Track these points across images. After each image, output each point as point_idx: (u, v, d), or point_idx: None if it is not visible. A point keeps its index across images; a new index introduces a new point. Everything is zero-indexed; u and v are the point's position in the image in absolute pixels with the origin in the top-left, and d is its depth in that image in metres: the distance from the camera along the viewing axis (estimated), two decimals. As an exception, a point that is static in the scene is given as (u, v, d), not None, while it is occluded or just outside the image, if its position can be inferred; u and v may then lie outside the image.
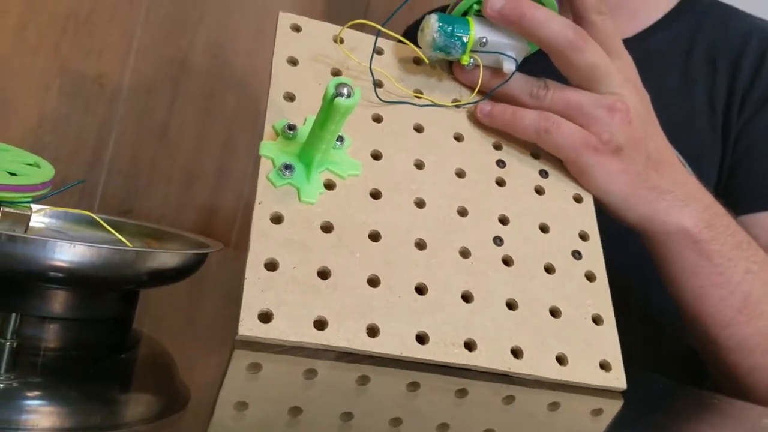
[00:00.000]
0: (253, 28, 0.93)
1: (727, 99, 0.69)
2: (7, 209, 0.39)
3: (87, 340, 0.40)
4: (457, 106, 0.52)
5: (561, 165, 0.52)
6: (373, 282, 0.43)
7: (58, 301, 0.38)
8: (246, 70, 0.93)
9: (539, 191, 0.51)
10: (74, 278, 0.36)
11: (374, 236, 0.45)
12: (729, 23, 0.72)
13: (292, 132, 0.46)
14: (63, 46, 0.83)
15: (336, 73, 0.50)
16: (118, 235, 0.46)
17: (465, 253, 0.46)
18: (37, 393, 0.32)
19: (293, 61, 0.49)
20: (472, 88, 0.52)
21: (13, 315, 0.35)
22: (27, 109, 0.81)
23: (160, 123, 0.89)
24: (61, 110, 0.83)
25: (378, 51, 0.51)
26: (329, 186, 0.46)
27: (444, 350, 0.43)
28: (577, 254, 0.49)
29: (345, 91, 0.39)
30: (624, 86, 0.51)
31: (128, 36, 0.86)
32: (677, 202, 0.52)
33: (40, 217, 0.48)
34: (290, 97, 0.48)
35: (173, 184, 0.90)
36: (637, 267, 0.66)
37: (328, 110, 0.40)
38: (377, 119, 0.49)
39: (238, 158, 0.94)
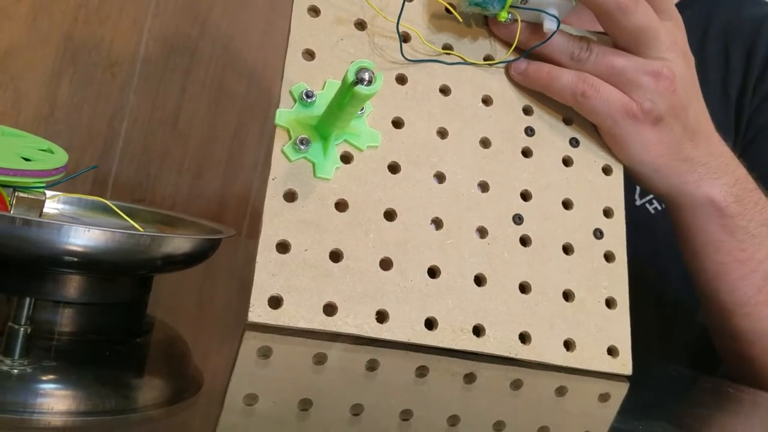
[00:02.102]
0: (263, 18, 0.93)
1: (741, 84, 0.68)
2: (21, 194, 0.39)
3: (101, 325, 0.40)
4: (490, 65, 0.49)
5: (594, 133, 0.50)
6: (386, 264, 0.43)
7: (73, 286, 0.38)
8: (256, 60, 0.93)
9: (567, 162, 0.49)
10: (88, 263, 0.36)
11: (389, 214, 0.44)
12: (742, 9, 0.72)
13: (309, 99, 0.44)
14: (75, 36, 0.83)
15: (360, 25, 0.47)
16: (131, 221, 0.46)
17: (482, 233, 0.45)
18: (51, 377, 0.32)
19: (315, 10, 0.46)
20: (507, 45, 0.49)
21: (28, 300, 0.35)
22: (39, 98, 0.82)
23: (171, 112, 0.89)
24: (73, 99, 0.83)
25: None
26: (346, 159, 0.44)
27: (452, 336, 0.43)
28: (598, 233, 0.48)
29: (366, 76, 0.37)
30: (672, 50, 0.48)
31: (139, 25, 0.86)
32: (709, 174, 0.51)
33: (53, 203, 0.48)
34: (310, 54, 0.45)
35: (184, 174, 0.90)
36: (654, 255, 0.66)
37: (346, 95, 0.39)
38: (401, 80, 0.47)
39: (249, 148, 0.94)
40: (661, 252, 0.65)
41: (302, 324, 0.40)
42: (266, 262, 0.41)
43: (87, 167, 0.49)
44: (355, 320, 0.41)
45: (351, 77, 0.37)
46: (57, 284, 0.38)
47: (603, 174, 0.50)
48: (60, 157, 0.42)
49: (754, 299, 0.53)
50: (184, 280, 0.53)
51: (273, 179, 0.42)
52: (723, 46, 0.70)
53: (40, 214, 0.39)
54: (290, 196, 0.43)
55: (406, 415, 0.34)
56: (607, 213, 0.49)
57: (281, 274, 0.41)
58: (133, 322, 0.42)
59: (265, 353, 0.40)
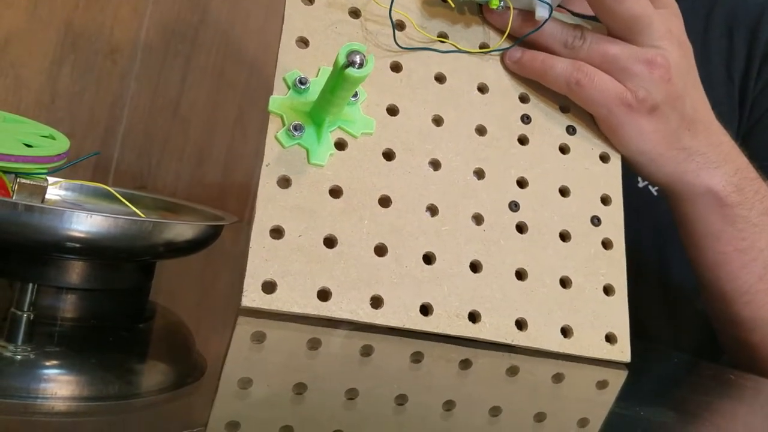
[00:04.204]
0: (264, 5, 0.92)
1: (745, 68, 0.68)
2: (23, 180, 0.39)
3: (104, 311, 0.40)
4: (484, 53, 0.49)
5: (591, 121, 0.50)
6: (380, 251, 0.43)
7: (75, 272, 0.38)
8: (257, 47, 0.93)
9: (564, 150, 0.49)
10: (91, 249, 0.37)
11: (384, 201, 0.44)
12: None
13: (303, 86, 0.44)
14: (75, 22, 0.83)
15: (354, 13, 0.47)
16: (133, 207, 0.46)
17: (478, 220, 0.46)
18: (54, 363, 0.32)
19: None
20: (502, 32, 0.49)
21: (31, 285, 0.35)
22: (40, 85, 0.82)
23: (172, 99, 0.89)
24: (73, 86, 0.83)
25: None
26: (340, 146, 0.44)
27: (448, 322, 0.43)
28: (596, 220, 0.48)
29: (357, 59, 0.37)
30: (666, 38, 0.48)
31: (140, 12, 0.86)
32: (708, 163, 0.51)
33: (55, 190, 0.48)
34: (304, 42, 0.45)
35: (186, 161, 0.90)
36: (657, 237, 0.66)
37: (338, 78, 0.39)
38: (396, 68, 0.47)
39: (250, 135, 0.94)
40: (664, 234, 0.65)
41: (296, 309, 0.40)
42: (260, 248, 0.41)
43: (89, 154, 0.49)
44: (349, 305, 0.41)
45: (342, 60, 0.37)
46: (59, 270, 0.38)
47: (600, 162, 0.50)
48: (61, 144, 0.43)
49: (754, 288, 0.53)
50: (186, 268, 0.53)
51: (267, 165, 0.42)
52: (726, 31, 0.70)
53: (42, 200, 0.40)
54: (284, 182, 0.43)
55: (401, 400, 0.34)
56: (605, 201, 0.49)
57: (275, 259, 0.41)
58: (135, 308, 0.42)
59: (259, 338, 0.40)
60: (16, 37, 0.80)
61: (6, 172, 0.39)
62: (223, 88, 0.92)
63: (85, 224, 0.35)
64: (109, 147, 0.86)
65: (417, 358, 0.41)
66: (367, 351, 0.41)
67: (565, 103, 0.50)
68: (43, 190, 0.39)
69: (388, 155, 0.45)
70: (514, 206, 0.47)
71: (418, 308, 0.43)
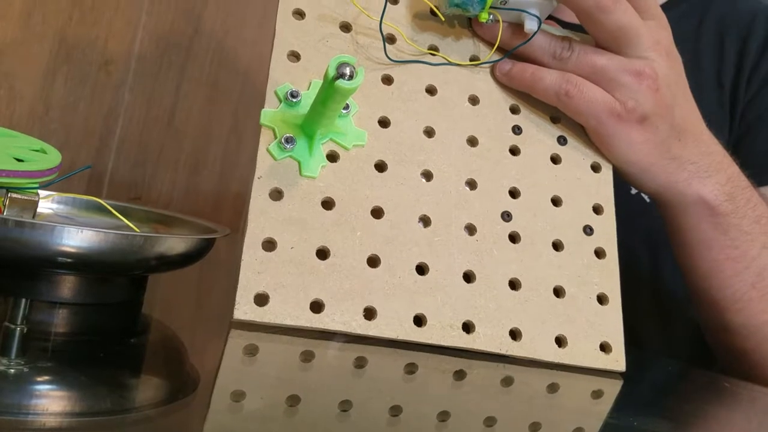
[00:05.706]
0: (258, 14, 0.93)
1: (735, 76, 0.69)
2: (14, 195, 0.39)
3: (96, 325, 0.40)
4: (475, 65, 0.50)
5: (582, 130, 0.50)
6: (373, 262, 0.43)
7: (68, 287, 0.38)
8: (251, 56, 0.93)
9: (555, 160, 0.50)
10: (83, 263, 0.37)
11: (377, 212, 0.44)
12: (737, 3, 0.73)
13: (294, 99, 0.44)
14: (69, 33, 0.83)
15: (345, 27, 0.47)
16: (126, 221, 0.46)
17: (471, 230, 0.46)
18: (47, 377, 0.32)
19: (300, 13, 0.46)
20: (491, 45, 0.49)
21: (23, 300, 0.35)
22: (34, 97, 0.82)
23: (166, 110, 0.89)
24: (67, 97, 0.83)
25: (393, 0, 0.49)
26: (332, 157, 0.44)
27: (441, 333, 0.43)
28: (588, 229, 0.48)
29: (347, 71, 0.37)
30: (654, 49, 0.48)
31: (133, 23, 0.86)
32: (699, 173, 0.51)
33: (48, 203, 0.48)
34: (295, 56, 0.46)
35: (180, 171, 0.91)
36: (650, 244, 0.66)
37: (329, 90, 0.39)
38: (387, 80, 0.47)
39: (245, 145, 0.94)
40: (657, 241, 0.65)
41: (289, 321, 0.40)
42: (252, 260, 0.41)
43: (81, 167, 0.49)
44: (342, 317, 0.41)
45: (332, 72, 0.38)
46: (52, 285, 0.38)
47: (592, 171, 0.50)
48: (53, 158, 0.42)
49: (747, 295, 0.53)
50: (179, 279, 0.53)
51: (258, 178, 0.43)
52: (718, 39, 0.71)
53: (34, 215, 0.40)
54: (276, 195, 0.43)
55: (395, 411, 0.34)
56: (597, 210, 0.49)
57: (267, 271, 0.41)
58: (128, 321, 0.42)
59: (251, 351, 0.40)
60: (10, 48, 0.80)
61: (-3, 186, 0.39)
62: (217, 98, 0.92)
63: (76, 239, 0.35)
64: (104, 158, 0.86)
65: (411, 369, 0.41)
66: (360, 363, 0.41)
67: (555, 113, 0.50)
68: (35, 204, 0.39)
69: (380, 167, 0.45)
70: (506, 216, 0.47)
71: (412, 319, 0.42)
